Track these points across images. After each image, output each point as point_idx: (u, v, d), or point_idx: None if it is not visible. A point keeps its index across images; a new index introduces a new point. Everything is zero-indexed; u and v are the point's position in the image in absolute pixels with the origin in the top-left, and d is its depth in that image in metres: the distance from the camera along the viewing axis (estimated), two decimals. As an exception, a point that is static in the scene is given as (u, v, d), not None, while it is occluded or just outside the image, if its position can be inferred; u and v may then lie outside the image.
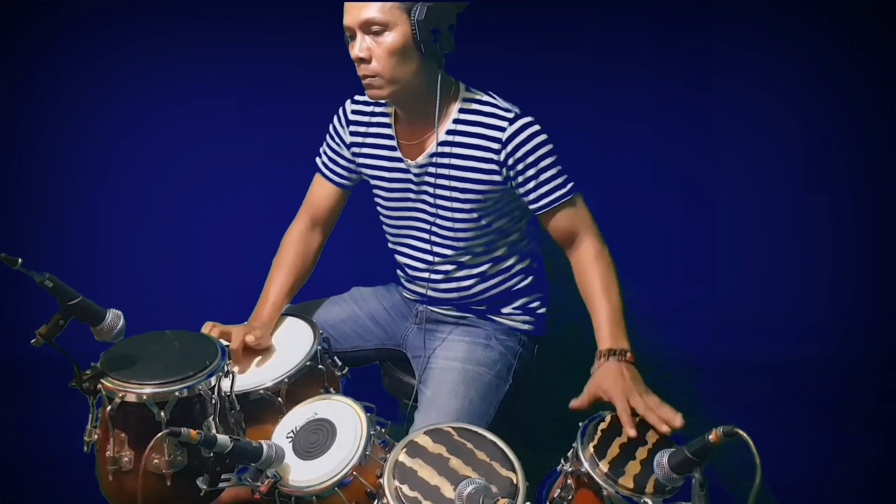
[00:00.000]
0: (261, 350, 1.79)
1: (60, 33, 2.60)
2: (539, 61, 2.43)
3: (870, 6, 2.41)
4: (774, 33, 2.48)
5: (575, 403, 1.54)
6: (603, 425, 1.46)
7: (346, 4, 1.61)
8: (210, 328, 1.73)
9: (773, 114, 2.55)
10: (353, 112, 1.86)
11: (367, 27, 1.58)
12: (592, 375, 1.58)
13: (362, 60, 1.61)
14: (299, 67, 2.56)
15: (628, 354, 1.59)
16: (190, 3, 2.54)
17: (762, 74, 2.51)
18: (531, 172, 1.69)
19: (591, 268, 1.71)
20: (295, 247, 1.94)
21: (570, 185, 1.71)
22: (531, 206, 1.73)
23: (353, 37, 1.61)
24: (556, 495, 1.44)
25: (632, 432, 1.44)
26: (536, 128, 1.68)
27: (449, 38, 1.62)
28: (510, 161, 1.68)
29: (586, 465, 1.39)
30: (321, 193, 1.95)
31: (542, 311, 1.93)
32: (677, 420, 1.45)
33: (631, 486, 1.36)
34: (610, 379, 1.53)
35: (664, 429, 1.44)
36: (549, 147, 1.69)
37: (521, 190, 1.72)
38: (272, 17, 2.52)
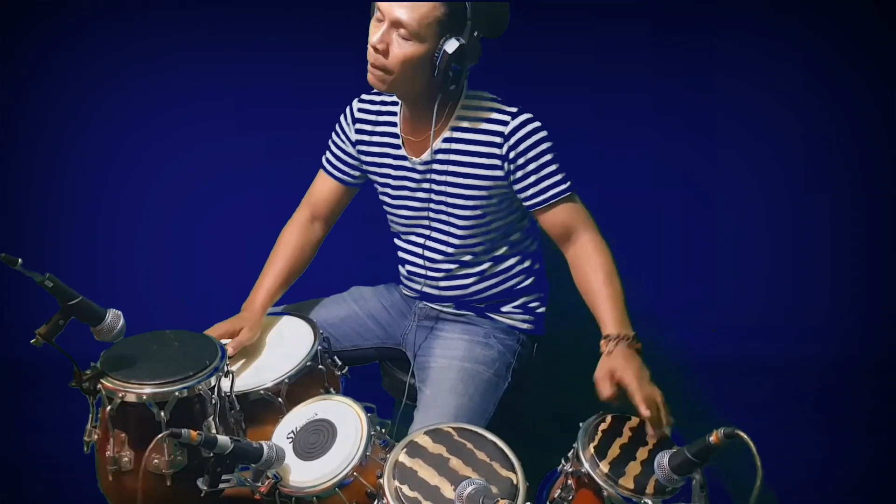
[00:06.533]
0: (264, 341, 1.81)
1: (60, 33, 2.60)
2: (540, 61, 2.43)
3: (870, 6, 2.41)
4: (774, 33, 2.48)
5: (604, 395, 1.51)
6: (603, 426, 1.47)
7: None
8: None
9: (773, 114, 2.55)
10: (360, 111, 1.86)
11: (398, 25, 1.57)
12: (602, 359, 1.56)
13: (377, 51, 1.60)
14: (299, 67, 2.56)
15: (639, 343, 1.57)
16: (190, 3, 2.54)
17: (762, 74, 2.51)
18: (531, 167, 1.69)
19: (591, 259, 1.70)
20: (292, 238, 1.95)
21: (568, 183, 1.71)
22: (528, 203, 1.73)
23: (381, 21, 1.60)
24: (556, 495, 1.45)
25: (646, 412, 1.43)
26: (538, 124, 1.69)
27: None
28: (511, 155, 1.68)
29: (587, 466, 1.39)
30: (322, 189, 1.96)
31: (541, 310, 1.93)
32: (665, 428, 1.46)
33: (631, 486, 1.36)
34: (622, 360, 1.52)
35: (651, 432, 1.44)
36: (549, 144, 1.70)
37: (520, 185, 1.72)
38: (272, 17, 2.52)
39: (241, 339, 1.76)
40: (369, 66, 1.64)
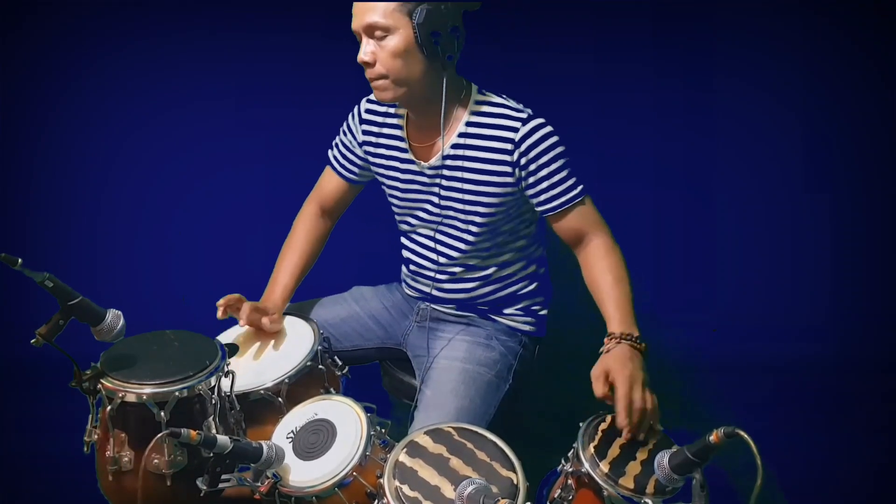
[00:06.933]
0: (265, 341, 1.81)
1: (60, 33, 2.60)
2: (540, 61, 2.43)
3: (870, 6, 2.41)
4: (774, 33, 2.48)
5: (598, 394, 1.50)
6: (603, 425, 1.46)
7: (354, 8, 1.62)
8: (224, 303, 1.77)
9: (773, 114, 2.55)
10: (367, 111, 1.86)
11: (371, 31, 1.59)
12: (601, 356, 1.55)
13: (367, 64, 1.62)
14: (299, 67, 2.57)
15: (642, 344, 1.56)
16: (190, 3, 2.54)
17: (762, 74, 2.51)
18: (543, 173, 1.69)
19: (601, 261, 1.70)
20: (304, 231, 1.97)
21: (580, 187, 1.71)
22: (540, 208, 1.73)
23: (360, 39, 1.63)
24: (556, 495, 1.44)
25: (623, 422, 1.43)
26: (549, 129, 1.68)
27: (451, 40, 1.61)
28: (522, 161, 1.68)
29: (587, 466, 1.39)
30: (329, 185, 1.97)
31: (543, 312, 1.93)
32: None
33: (631, 486, 1.36)
34: (618, 361, 1.51)
35: (626, 435, 1.43)
36: (560, 149, 1.69)
37: (532, 191, 1.71)
38: (272, 17, 2.52)
39: (274, 317, 1.81)
40: (371, 86, 1.66)
